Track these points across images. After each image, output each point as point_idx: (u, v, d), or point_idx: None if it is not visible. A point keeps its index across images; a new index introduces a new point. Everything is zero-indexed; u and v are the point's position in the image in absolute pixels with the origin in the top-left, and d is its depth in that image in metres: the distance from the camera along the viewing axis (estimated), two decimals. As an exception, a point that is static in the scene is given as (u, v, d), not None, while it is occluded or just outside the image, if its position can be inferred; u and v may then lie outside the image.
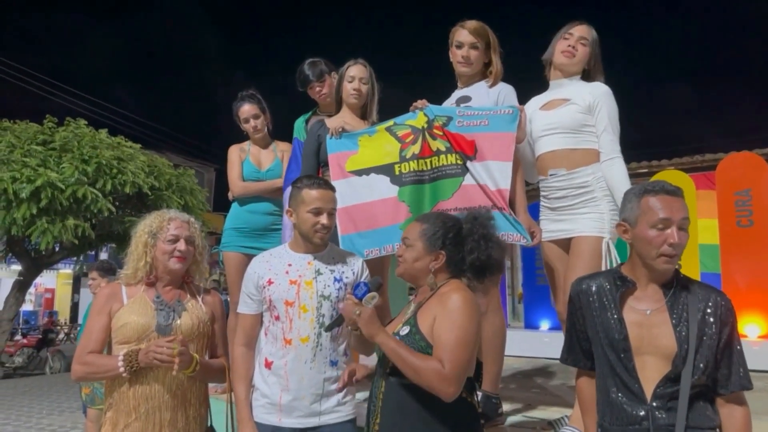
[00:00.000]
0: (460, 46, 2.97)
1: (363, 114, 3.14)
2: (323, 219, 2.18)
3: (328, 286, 2.20)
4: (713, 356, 1.65)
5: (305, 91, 3.54)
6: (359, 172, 2.90)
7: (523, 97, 2.97)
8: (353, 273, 2.28)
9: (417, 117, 2.89)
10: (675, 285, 1.73)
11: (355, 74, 3.08)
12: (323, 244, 2.25)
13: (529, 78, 3.09)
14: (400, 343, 1.83)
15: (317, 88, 3.48)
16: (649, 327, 1.70)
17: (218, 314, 2.42)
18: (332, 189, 2.27)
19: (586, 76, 2.81)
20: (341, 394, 2.18)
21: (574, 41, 2.75)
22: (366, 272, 2.33)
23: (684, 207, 1.70)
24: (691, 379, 1.62)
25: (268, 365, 2.18)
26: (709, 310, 1.67)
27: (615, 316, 1.74)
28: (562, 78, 2.81)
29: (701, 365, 1.63)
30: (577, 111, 2.68)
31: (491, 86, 2.97)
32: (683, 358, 1.63)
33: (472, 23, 2.95)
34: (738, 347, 1.68)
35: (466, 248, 1.92)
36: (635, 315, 1.73)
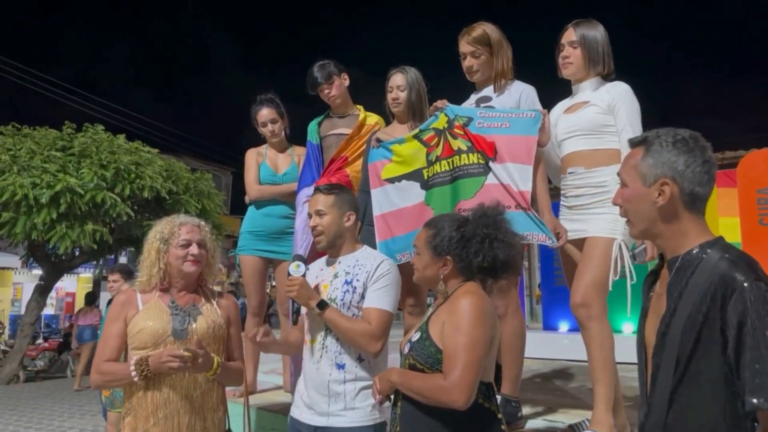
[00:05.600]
0: (463, 58, 2.96)
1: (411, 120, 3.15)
2: (311, 221, 2.31)
3: (337, 288, 2.20)
4: (717, 350, 1.27)
5: (316, 94, 3.52)
6: (392, 180, 3.00)
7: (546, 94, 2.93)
8: (366, 274, 2.22)
9: (438, 119, 2.90)
10: (679, 263, 1.38)
11: (392, 83, 3.11)
12: (323, 245, 2.31)
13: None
14: (403, 373, 1.85)
15: (326, 90, 3.44)
16: (655, 314, 1.44)
17: (233, 318, 2.42)
18: (320, 191, 2.33)
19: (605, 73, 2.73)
20: (350, 398, 2.12)
21: (565, 50, 2.72)
22: (378, 273, 2.20)
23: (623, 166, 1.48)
24: (672, 377, 1.31)
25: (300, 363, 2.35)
26: (712, 294, 1.27)
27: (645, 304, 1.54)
28: (580, 82, 2.76)
29: (684, 359, 1.30)
30: (597, 112, 2.63)
31: (500, 87, 2.93)
32: (659, 351, 1.35)
33: (469, 31, 2.92)
34: (761, 343, 1.20)
35: (471, 251, 1.85)
36: (651, 301, 1.51)
